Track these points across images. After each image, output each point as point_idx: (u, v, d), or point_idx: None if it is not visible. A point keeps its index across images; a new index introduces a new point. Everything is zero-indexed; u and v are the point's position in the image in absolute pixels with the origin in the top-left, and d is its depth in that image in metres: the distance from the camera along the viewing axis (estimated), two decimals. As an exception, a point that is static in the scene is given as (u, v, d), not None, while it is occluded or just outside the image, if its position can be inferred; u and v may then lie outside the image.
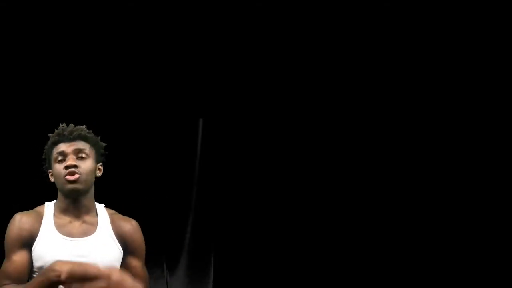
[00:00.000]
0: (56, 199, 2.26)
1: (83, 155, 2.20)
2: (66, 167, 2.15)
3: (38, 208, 2.24)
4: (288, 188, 3.81)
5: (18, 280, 2.09)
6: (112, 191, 2.47)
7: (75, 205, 2.19)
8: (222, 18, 3.56)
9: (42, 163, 2.30)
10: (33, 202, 2.30)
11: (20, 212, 2.21)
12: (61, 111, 2.61)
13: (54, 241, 2.12)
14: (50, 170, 2.25)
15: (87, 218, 2.20)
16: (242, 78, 3.78)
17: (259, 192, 3.81)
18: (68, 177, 2.15)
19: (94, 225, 2.19)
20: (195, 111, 3.88)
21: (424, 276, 3.69)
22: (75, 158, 2.18)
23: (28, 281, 2.10)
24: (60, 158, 2.19)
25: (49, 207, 2.23)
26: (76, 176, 2.15)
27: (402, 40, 3.64)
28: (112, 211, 2.29)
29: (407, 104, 3.76)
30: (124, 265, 2.19)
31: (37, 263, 2.10)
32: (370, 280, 3.72)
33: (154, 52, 3.64)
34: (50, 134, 2.27)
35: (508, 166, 3.69)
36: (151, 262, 2.29)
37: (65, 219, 2.19)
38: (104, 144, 2.31)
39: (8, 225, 2.18)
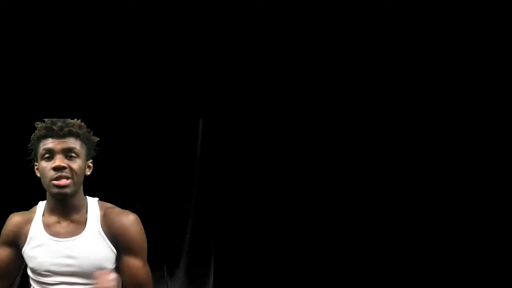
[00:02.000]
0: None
1: (73, 154, 2.04)
2: (55, 169, 2.00)
3: (33, 208, 2.19)
4: (288, 188, 3.80)
5: None
6: (112, 191, 2.46)
7: (62, 205, 2.08)
8: (222, 18, 3.56)
9: (29, 152, 2.15)
10: (29, 199, 2.27)
11: (15, 213, 2.19)
12: (61, 111, 2.59)
13: (42, 242, 2.08)
14: (36, 164, 2.10)
15: (76, 217, 2.09)
16: (242, 78, 3.77)
17: (259, 192, 3.80)
18: (55, 182, 2.01)
19: (82, 224, 2.08)
20: (195, 111, 3.87)
21: (424, 276, 3.69)
22: (64, 158, 2.02)
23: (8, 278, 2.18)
24: (47, 155, 2.03)
25: (41, 206, 2.16)
26: (64, 181, 2.00)
27: (402, 40, 3.64)
28: (107, 205, 2.16)
29: (407, 104, 3.75)
30: (121, 265, 2.09)
31: (30, 264, 2.10)
32: (370, 280, 3.72)
33: (154, 52, 3.64)
34: (38, 124, 2.10)
35: (508, 166, 3.69)
36: (151, 263, 2.25)
37: (53, 218, 2.10)
38: (96, 139, 2.14)
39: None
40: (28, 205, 2.26)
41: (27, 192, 2.44)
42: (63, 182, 2.01)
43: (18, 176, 3.21)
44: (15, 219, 2.16)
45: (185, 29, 3.60)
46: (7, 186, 3.54)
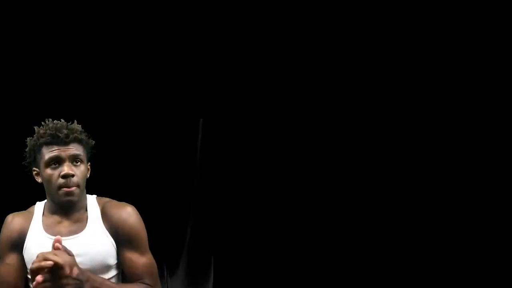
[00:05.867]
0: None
1: (78, 161, 2.08)
2: (64, 176, 2.03)
3: (30, 208, 2.18)
4: (288, 188, 3.80)
5: (11, 283, 2.05)
6: (112, 191, 2.46)
7: (65, 207, 2.10)
8: (222, 18, 3.56)
9: (24, 156, 2.16)
10: (27, 201, 2.26)
11: (12, 213, 2.16)
12: (60, 111, 2.59)
13: (42, 242, 2.04)
14: (36, 169, 2.12)
15: (77, 215, 2.10)
16: (242, 78, 3.77)
17: (259, 192, 3.80)
18: (65, 189, 2.04)
19: (84, 222, 2.09)
20: (195, 111, 3.87)
21: (424, 276, 3.69)
22: (71, 165, 2.05)
23: (23, 283, 2.09)
24: (53, 163, 2.05)
25: (39, 206, 2.15)
26: (73, 188, 2.04)
27: (402, 40, 3.64)
28: (105, 199, 2.18)
29: (407, 104, 3.76)
30: (120, 259, 2.09)
31: (29, 265, 2.01)
32: (370, 280, 3.72)
33: (154, 52, 3.64)
34: (37, 128, 2.11)
35: (508, 166, 3.69)
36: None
37: (54, 218, 2.10)
38: (93, 142, 2.17)
39: (2, 227, 2.14)
40: (23, 206, 2.26)
41: (20, 193, 2.45)
42: (72, 189, 2.04)
43: (12, 177, 3.23)
44: (16, 219, 2.12)
45: (185, 29, 3.60)
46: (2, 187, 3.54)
